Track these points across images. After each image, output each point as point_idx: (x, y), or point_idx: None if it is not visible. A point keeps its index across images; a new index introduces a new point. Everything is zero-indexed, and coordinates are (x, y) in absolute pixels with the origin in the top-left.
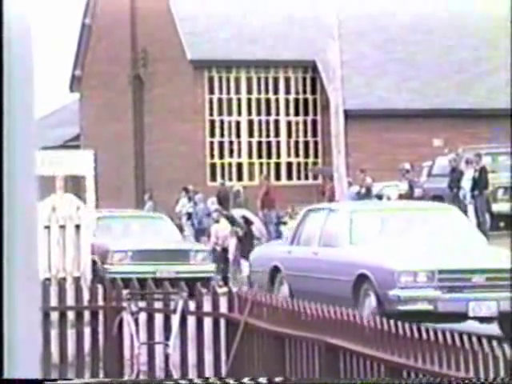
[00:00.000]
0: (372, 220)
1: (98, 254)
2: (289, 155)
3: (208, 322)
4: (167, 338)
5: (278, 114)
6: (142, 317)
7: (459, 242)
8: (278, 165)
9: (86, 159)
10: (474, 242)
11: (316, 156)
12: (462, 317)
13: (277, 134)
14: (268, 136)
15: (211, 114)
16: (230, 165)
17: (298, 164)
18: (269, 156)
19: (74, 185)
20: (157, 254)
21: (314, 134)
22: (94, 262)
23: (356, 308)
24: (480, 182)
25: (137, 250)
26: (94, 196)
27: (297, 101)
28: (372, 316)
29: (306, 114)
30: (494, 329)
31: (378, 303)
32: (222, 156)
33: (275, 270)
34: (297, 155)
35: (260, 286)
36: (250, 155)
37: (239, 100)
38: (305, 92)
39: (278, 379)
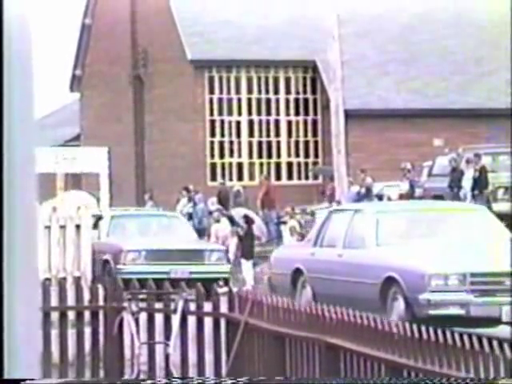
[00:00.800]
0: (399, 220)
1: (110, 254)
2: (289, 155)
3: (208, 322)
4: (167, 337)
5: (278, 113)
6: (143, 317)
7: (490, 244)
8: (278, 165)
9: (101, 156)
10: (505, 243)
11: (316, 156)
12: (495, 321)
13: (277, 134)
14: (268, 136)
15: (211, 114)
16: (230, 165)
17: (299, 164)
18: (269, 156)
19: (75, 182)
20: (171, 253)
21: (315, 134)
22: (106, 262)
23: (383, 312)
24: (480, 182)
25: (150, 250)
26: (107, 194)
27: (297, 101)
28: (371, 316)
29: (307, 113)
30: None
31: (406, 307)
32: (222, 156)
33: (297, 273)
34: (297, 155)
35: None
36: (250, 155)
37: (239, 100)
38: (305, 92)
39: (277, 379)
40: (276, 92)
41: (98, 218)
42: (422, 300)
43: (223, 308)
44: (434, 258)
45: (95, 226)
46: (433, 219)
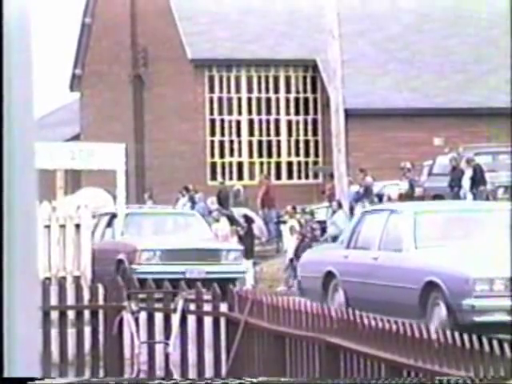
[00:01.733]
0: (438, 221)
1: (124, 253)
2: (289, 154)
3: (208, 322)
4: (167, 337)
5: (278, 113)
6: (143, 316)
7: None
8: (278, 164)
9: (118, 153)
10: None
11: (316, 155)
12: None
13: (277, 133)
14: (268, 135)
15: (211, 113)
16: (230, 164)
17: (299, 163)
18: (269, 155)
19: (73, 179)
20: (186, 253)
21: (315, 133)
22: (120, 261)
23: (423, 318)
24: (476, 180)
25: (165, 250)
26: (124, 191)
27: (297, 100)
28: (370, 315)
29: (307, 113)
30: None
31: (448, 314)
32: (222, 155)
33: (329, 276)
34: (297, 154)
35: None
36: (250, 154)
37: (239, 99)
38: (305, 91)
39: (277, 379)
40: (276, 91)
41: (113, 216)
42: (466, 306)
43: (223, 307)
44: (477, 262)
45: (109, 224)
46: (473, 220)
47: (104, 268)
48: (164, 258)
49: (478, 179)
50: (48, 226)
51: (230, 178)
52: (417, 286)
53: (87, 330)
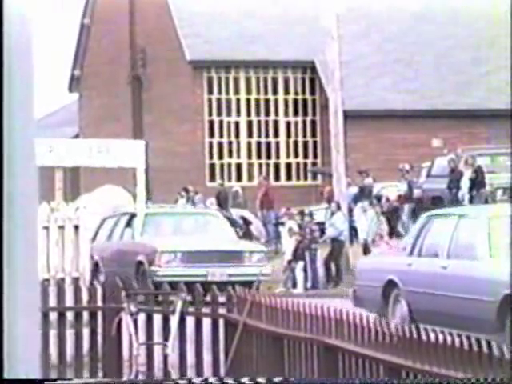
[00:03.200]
0: None
1: (144, 255)
2: (288, 155)
3: (207, 323)
4: (166, 338)
5: (277, 114)
6: (141, 317)
7: None
8: (277, 165)
9: (138, 150)
10: None
11: (315, 156)
12: None
13: (276, 135)
14: (267, 136)
15: (210, 115)
16: (229, 165)
17: (297, 164)
18: (268, 156)
19: (73, 179)
20: (208, 255)
21: (313, 135)
22: (140, 263)
23: (501, 334)
24: (477, 182)
25: (186, 251)
26: (144, 190)
27: (296, 101)
28: (369, 316)
29: (305, 114)
30: None
31: None
32: (221, 156)
33: (390, 285)
34: (296, 155)
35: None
36: (249, 155)
37: (238, 100)
38: (304, 92)
39: (277, 379)
40: (275, 92)
41: (132, 216)
42: None
43: (221, 309)
44: None
45: (129, 223)
46: None
47: (123, 269)
48: (185, 260)
49: (478, 181)
50: (47, 228)
51: (229, 180)
52: (494, 298)
53: (86, 332)
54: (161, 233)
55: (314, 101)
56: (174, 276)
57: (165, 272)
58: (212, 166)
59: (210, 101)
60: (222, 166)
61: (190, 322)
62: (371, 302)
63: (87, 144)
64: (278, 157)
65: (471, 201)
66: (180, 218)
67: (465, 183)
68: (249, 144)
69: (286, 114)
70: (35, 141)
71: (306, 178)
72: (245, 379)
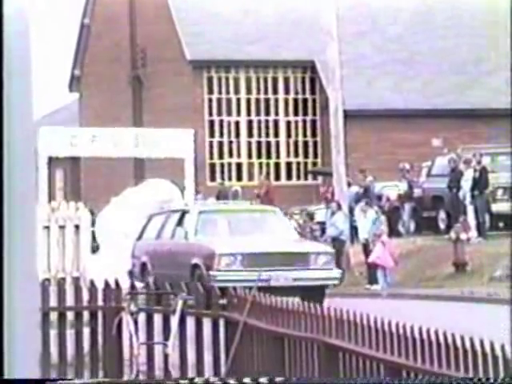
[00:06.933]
0: None
1: (200, 257)
2: (288, 155)
3: (207, 323)
4: (166, 338)
5: (277, 114)
6: (142, 317)
7: None
8: (277, 165)
9: (186, 140)
10: None
11: (315, 156)
12: None
13: (276, 134)
14: (267, 136)
15: (210, 114)
16: (229, 165)
17: (298, 164)
18: (268, 156)
19: (73, 179)
20: (271, 257)
21: (314, 134)
22: (195, 266)
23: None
24: (480, 183)
25: (247, 254)
26: (193, 182)
27: (296, 101)
28: (369, 316)
29: (306, 114)
30: None
31: None
32: (221, 156)
33: None
34: (296, 155)
35: None
36: (249, 155)
37: (238, 100)
38: (304, 92)
39: (277, 379)
40: (275, 92)
41: (183, 213)
42: None
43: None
44: None
45: (180, 222)
46: None
47: (175, 272)
48: (246, 264)
49: (482, 181)
50: (47, 227)
51: (229, 179)
52: None
53: (86, 331)
54: (216, 232)
55: (314, 100)
56: (234, 281)
57: (225, 277)
58: (212, 166)
59: (210, 101)
60: (222, 165)
61: (191, 321)
62: None
63: (132, 133)
64: (278, 156)
65: (473, 201)
66: (236, 216)
67: (466, 182)
68: (249, 144)
69: (286, 113)
70: (75, 129)
71: (306, 178)
72: (247, 379)
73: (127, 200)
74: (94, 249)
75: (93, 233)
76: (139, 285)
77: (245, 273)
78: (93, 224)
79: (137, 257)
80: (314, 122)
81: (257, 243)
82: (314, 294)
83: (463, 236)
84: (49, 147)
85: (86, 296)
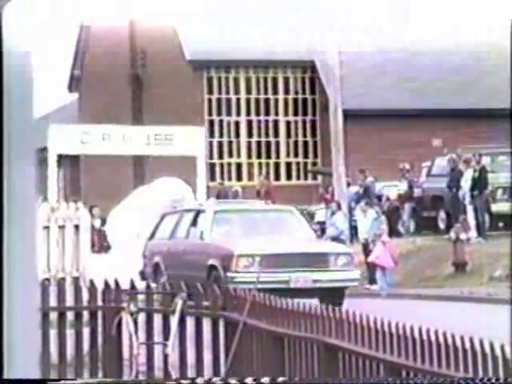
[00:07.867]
0: None
1: (217, 258)
2: (288, 155)
3: (207, 322)
4: (166, 338)
5: (276, 114)
6: (141, 317)
7: None
8: (277, 165)
9: (198, 137)
10: None
11: (315, 156)
12: None
13: (276, 134)
14: (267, 136)
15: (210, 114)
16: (229, 165)
17: (297, 164)
18: (268, 156)
19: (72, 179)
20: (290, 258)
21: (313, 134)
22: (212, 267)
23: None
24: (480, 183)
25: (266, 255)
26: (205, 180)
27: (296, 101)
28: (369, 316)
29: (305, 114)
30: None
31: None
32: (221, 156)
33: None
34: (296, 155)
35: None
36: (249, 155)
37: (238, 100)
38: (304, 92)
39: (277, 379)
40: (275, 92)
41: (198, 213)
42: None
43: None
44: None
45: (195, 222)
46: None
47: (190, 273)
48: (265, 265)
49: (482, 181)
50: (47, 227)
51: (229, 179)
52: None
53: (86, 331)
54: (233, 232)
55: (313, 100)
56: (253, 283)
57: (243, 278)
58: (212, 166)
59: (209, 101)
60: (221, 165)
61: (190, 321)
62: None
63: (144, 131)
64: (277, 156)
65: (472, 201)
66: (252, 216)
67: (466, 182)
68: (249, 144)
69: (286, 113)
70: (86, 126)
71: (305, 178)
72: (248, 379)
73: (138, 199)
74: (105, 248)
75: (104, 232)
76: (141, 285)
77: (264, 274)
78: (103, 223)
79: (149, 257)
80: (313, 122)
81: (275, 244)
82: (334, 295)
83: (463, 236)
84: (59, 145)
85: (85, 296)
